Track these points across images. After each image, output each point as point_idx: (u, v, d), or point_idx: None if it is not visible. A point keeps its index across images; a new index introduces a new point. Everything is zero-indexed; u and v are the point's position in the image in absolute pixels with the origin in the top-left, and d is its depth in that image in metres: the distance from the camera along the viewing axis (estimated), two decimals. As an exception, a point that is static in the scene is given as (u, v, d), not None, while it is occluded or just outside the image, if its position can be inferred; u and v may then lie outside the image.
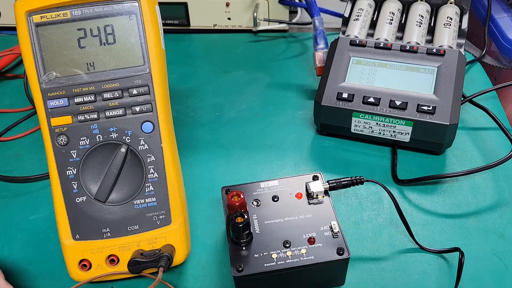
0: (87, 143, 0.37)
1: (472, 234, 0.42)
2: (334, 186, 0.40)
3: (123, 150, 0.37)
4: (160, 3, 0.40)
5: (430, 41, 0.55)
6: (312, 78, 0.62)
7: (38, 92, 0.37)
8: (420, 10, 0.56)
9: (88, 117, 0.37)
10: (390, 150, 0.51)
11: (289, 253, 0.35)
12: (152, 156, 0.38)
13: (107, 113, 0.37)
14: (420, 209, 0.44)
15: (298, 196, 0.39)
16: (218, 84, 0.62)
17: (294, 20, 0.70)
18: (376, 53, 0.51)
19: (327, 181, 0.40)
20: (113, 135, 0.37)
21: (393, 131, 0.48)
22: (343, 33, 0.58)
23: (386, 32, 0.55)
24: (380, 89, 0.49)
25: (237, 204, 0.36)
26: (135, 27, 0.37)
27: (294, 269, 0.35)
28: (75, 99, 0.37)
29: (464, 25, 0.55)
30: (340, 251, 0.35)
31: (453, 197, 0.45)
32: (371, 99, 0.48)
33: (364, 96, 0.48)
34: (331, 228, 0.37)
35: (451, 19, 0.55)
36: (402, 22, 0.57)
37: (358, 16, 0.57)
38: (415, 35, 0.54)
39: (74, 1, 0.36)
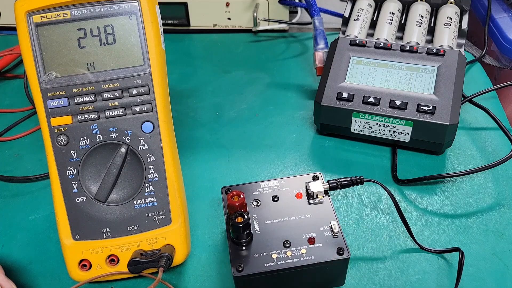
0: (87, 143, 0.37)
1: (472, 234, 0.42)
2: (334, 186, 0.40)
3: (123, 150, 0.37)
4: (160, 3, 0.40)
5: (430, 41, 0.55)
6: (312, 78, 0.62)
7: (38, 92, 0.37)
8: (420, 10, 0.56)
9: (88, 117, 0.37)
10: (390, 150, 0.51)
11: (289, 253, 0.35)
12: (152, 156, 0.38)
13: (107, 113, 0.37)
14: (420, 209, 0.44)
15: (298, 196, 0.39)
16: (218, 84, 0.62)
17: (294, 20, 0.70)
18: (376, 53, 0.51)
19: (327, 181, 0.40)
20: (113, 135, 0.37)
21: (393, 131, 0.48)
22: (343, 33, 0.57)
23: (386, 32, 0.55)
24: (380, 89, 0.49)
25: (237, 204, 0.36)
26: (135, 27, 0.37)
27: (294, 269, 0.35)
28: (75, 99, 0.37)
29: (464, 25, 0.55)
30: (340, 251, 0.35)
31: (453, 197, 0.45)
32: (371, 99, 0.48)
33: (364, 96, 0.48)
34: (331, 228, 0.37)
35: (451, 19, 0.55)
36: (402, 22, 0.57)
37: (358, 16, 0.57)
38: (415, 35, 0.54)
39: (74, 1, 0.36)
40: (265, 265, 0.34)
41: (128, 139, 0.38)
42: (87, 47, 0.37)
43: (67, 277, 0.38)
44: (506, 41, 0.62)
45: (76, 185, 0.37)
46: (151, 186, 0.38)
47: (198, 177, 0.48)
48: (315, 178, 0.40)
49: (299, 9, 0.71)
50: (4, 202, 0.47)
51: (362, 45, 0.52)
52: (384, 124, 0.48)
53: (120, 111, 0.37)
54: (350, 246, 0.41)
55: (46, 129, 0.37)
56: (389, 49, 0.51)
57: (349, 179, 0.40)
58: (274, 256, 0.35)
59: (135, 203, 0.38)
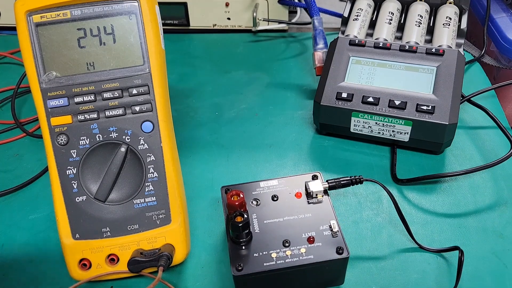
0: (87, 142, 0.37)
1: (471, 233, 0.42)
2: (333, 186, 0.40)
3: (123, 149, 0.37)
4: (160, 3, 0.40)
5: (429, 41, 0.55)
6: (311, 78, 0.62)
7: (38, 91, 0.37)
8: (419, 10, 0.56)
9: (88, 117, 0.37)
10: (389, 149, 0.51)
11: (288, 253, 0.35)
12: (152, 156, 0.38)
13: (107, 113, 0.37)
14: (419, 208, 0.44)
15: (298, 195, 0.39)
16: (217, 84, 0.62)
17: (293, 20, 0.71)
18: (375, 53, 0.51)
19: (327, 181, 0.40)
20: (113, 135, 0.37)
21: (393, 131, 0.48)
22: (343, 33, 0.58)
23: (385, 32, 0.55)
24: (379, 88, 0.49)
25: (236, 203, 0.36)
26: (135, 27, 0.37)
27: (294, 269, 0.35)
28: (75, 98, 0.37)
29: (463, 25, 0.55)
30: (339, 250, 0.35)
31: (452, 197, 0.45)
32: (370, 99, 0.48)
33: (363, 96, 0.48)
34: (331, 227, 0.37)
35: (450, 19, 0.55)
36: (402, 22, 0.57)
37: (357, 16, 0.57)
38: (414, 35, 0.54)
39: (74, 1, 0.36)
40: (264, 264, 0.35)
41: (128, 139, 0.38)
42: (87, 47, 0.37)
43: (67, 277, 0.38)
44: (505, 41, 0.62)
45: (76, 184, 0.37)
46: (151, 186, 0.38)
47: (198, 177, 0.49)
48: (314, 177, 0.41)
49: (298, 9, 0.71)
50: (4, 201, 0.47)
51: (361, 45, 0.52)
52: (383, 124, 0.48)
53: (120, 111, 0.37)
54: (350, 246, 0.41)
55: (46, 129, 0.37)
56: (388, 49, 0.51)
57: (349, 178, 0.40)
58: (274, 255, 0.35)
59: (135, 202, 0.38)
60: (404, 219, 0.40)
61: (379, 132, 0.49)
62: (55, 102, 0.37)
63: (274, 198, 0.39)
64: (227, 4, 0.69)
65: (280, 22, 0.70)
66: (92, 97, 0.37)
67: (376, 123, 0.48)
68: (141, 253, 0.37)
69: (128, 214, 0.38)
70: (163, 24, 0.70)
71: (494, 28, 0.64)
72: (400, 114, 0.47)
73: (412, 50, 0.51)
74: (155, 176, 0.38)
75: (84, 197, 0.37)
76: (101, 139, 0.37)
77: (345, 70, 0.51)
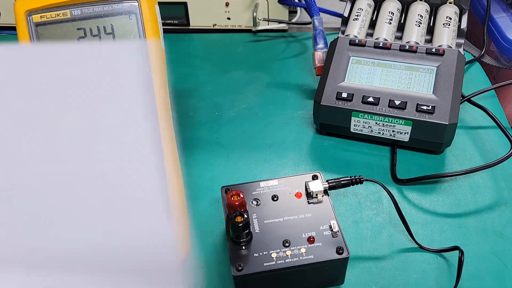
0: (87, 142, 0.37)
1: (471, 233, 0.42)
2: (333, 186, 0.40)
3: (123, 149, 0.37)
4: (159, 3, 0.40)
5: (430, 41, 0.55)
6: (311, 77, 0.62)
7: (38, 91, 0.37)
8: (419, 10, 0.56)
9: (88, 117, 0.37)
10: (389, 149, 0.51)
11: (288, 253, 0.35)
12: (152, 156, 0.38)
13: (107, 113, 0.37)
14: (420, 208, 0.44)
15: (298, 195, 0.39)
16: (217, 84, 0.62)
17: (293, 20, 0.70)
18: (375, 52, 0.51)
19: (327, 181, 0.40)
20: (113, 135, 0.37)
21: (393, 131, 0.48)
22: (343, 32, 0.58)
23: (385, 31, 0.55)
24: (379, 88, 0.49)
25: (236, 203, 0.36)
26: (135, 26, 0.37)
27: (294, 269, 0.35)
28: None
29: (463, 24, 0.55)
30: (339, 250, 0.35)
31: (452, 197, 0.45)
32: (371, 99, 0.48)
33: (363, 96, 0.48)
34: (331, 227, 0.37)
35: (450, 18, 0.55)
36: (402, 21, 0.57)
37: (357, 15, 0.57)
38: (415, 34, 0.54)
39: (73, 0, 0.36)
40: (264, 264, 0.35)
41: (128, 139, 0.37)
42: (87, 46, 0.37)
43: (67, 277, 0.38)
44: (505, 41, 0.62)
45: (76, 184, 0.37)
46: (151, 186, 0.38)
47: (198, 177, 0.49)
48: (314, 177, 0.40)
49: (298, 9, 0.71)
50: (4, 201, 0.47)
51: (361, 44, 0.52)
52: (383, 124, 0.48)
53: (120, 111, 0.37)
54: (350, 246, 0.41)
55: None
56: (389, 48, 0.51)
57: (349, 178, 0.40)
58: (274, 255, 0.35)
59: (135, 202, 0.38)
60: (404, 219, 0.40)
61: (379, 132, 0.49)
62: (55, 102, 0.37)
63: (274, 198, 0.39)
64: (227, 4, 0.69)
65: (280, 22, 0.70)
66: (92, 97, 0.37)
67: (376, 123, 0.48)
68: (141, 253, 0.37)
69: (128, 214, 0.37)
70: (163, 24, 0.69)
71: (494, 28, 0.64)
72: (400, 114, 0.47)
73: (412, 50, 0.51)
74: (155, 176, 0.38)
75: (84, 197, 0.37)
76: (101, 139, 0.37)
77: (345, 70, 0.51)
